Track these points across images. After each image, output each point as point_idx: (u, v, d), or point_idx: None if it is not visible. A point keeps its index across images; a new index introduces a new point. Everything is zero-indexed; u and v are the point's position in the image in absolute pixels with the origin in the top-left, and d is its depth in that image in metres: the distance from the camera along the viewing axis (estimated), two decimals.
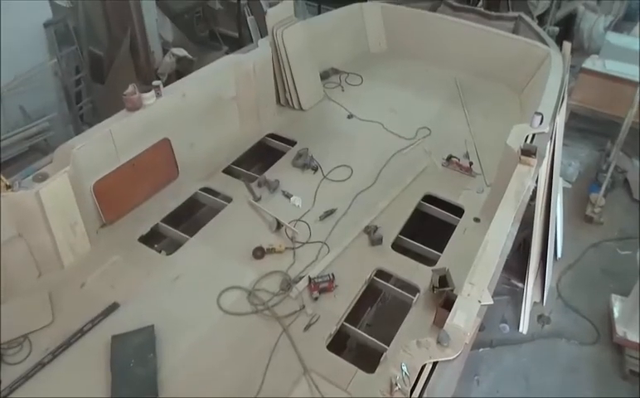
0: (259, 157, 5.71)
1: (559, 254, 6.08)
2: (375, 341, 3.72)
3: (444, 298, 3.66)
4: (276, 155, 5.58)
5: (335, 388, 3.38)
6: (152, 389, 3.35)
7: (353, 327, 3.86)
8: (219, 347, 3.65)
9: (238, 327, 3.79)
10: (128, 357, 3.50)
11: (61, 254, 4.10)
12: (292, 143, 5.69)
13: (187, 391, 3.37)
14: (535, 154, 4.26)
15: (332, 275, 4.05)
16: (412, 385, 2.66)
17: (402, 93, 6.58)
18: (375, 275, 4.21)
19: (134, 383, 3.37)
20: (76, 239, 4.19)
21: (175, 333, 3.70)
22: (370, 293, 4.30)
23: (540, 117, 4.72)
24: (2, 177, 3.84)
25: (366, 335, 3.80)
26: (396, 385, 2.61)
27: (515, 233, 3.85)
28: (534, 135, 4.66)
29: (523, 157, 4.25)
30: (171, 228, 4.62)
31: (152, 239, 4.57)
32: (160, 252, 4.39)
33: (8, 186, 3.78)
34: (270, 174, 5.18)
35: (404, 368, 2.67)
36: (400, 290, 4.14)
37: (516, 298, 5.44)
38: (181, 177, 5.07)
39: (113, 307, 3.87)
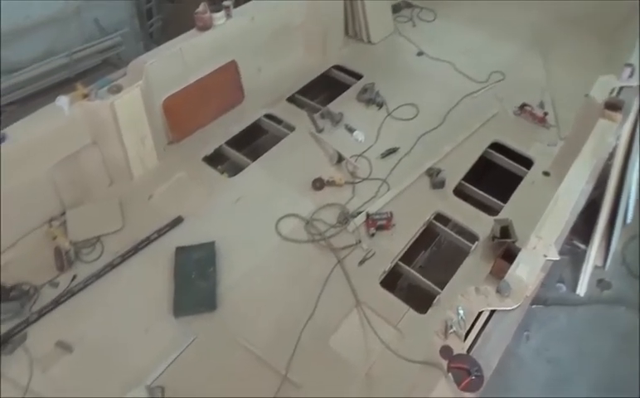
0: (324, 89, 5.63)
1: (628, 220, 5.75)
2: (429, 283, 3.72)
3: (505, 249, 3.57)
4: (341, 88, 5.48)
5: (385, 323, 3.43)
6: (211, 301, 3.52)
7: (407, 267, 3.87)
8: (275, 271, 3.77)
9: (294, 254, 3.87)
10: (190, 269, 3.67)
11: (131, 165, 4.28)
12: (358, 76, 5.55)
13: (243, 308, 3.53)
14: (621, 109, 3.96)
15: (391, 213, 4.03)
16: (467, 329, 2.65)
17: (477, 33, 6.21)
18: (434, 218, 4.15)
19: (195, 293, 3.55)
20: (145, 152, 4.35)
21: (234, 252, 3.83)
22: (427, 236, 4.26)
23: (630, 69, 4.35)
24: (80, 86, 3.99)
25: (420, 276, 3.80)
26: (451, 327, 2.61)
27: (589, 191, 3.65)
28: (621, 88, 4.31)
29: (607, 112, 3.96)
30: (234, 151, 4.70)
31: (215, 160, 4.67)
32: (222, 174, 4.50)
33: (85, 95, 3.92)
34: (334, 106, 5.10)
35: (461, 312, 2.66)
36: (457, 236, 4.07)
37: (576, 258, 5.24)
38: (246, 101, 5.09)
39: (178, 220, 4.04)
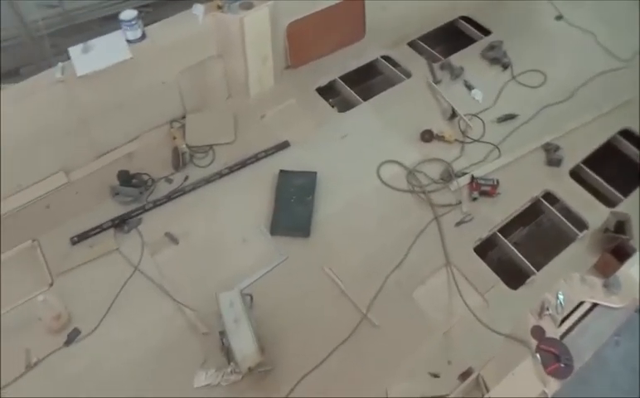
0: (448, 39, 5.38)
1: None
2: (526, 261, 3.59)
3: (616, 245, 3.35)
4: (466, 41, 5.21)
5: (473, 290, 3.40)
6: (306, 228, 3.66)
7: (505, 240, 3.75)
8: (370, 213, 3.81)
9: (391, 200, 3.89)
10: (291, 193, 3.82)
11: (250, 82, 4.43)
12: (486, 31, 5.24)
13: (335, 241, 3.64)
14: None
15: (497, 181, 3.88)
16: (564, 316, 2.57)
17: (628, 4, 5.56)
18: (542, 196, 3.95)
19: (292, 217, 3.71)
20: (264, 72, 4.47)
21: (333, 186, 3.92)
22: (529, 213, 4.08)
23: None
24: None
25: (517, 252, 3.67)
26: (547, 309, 2.53)
27: None
28: None
29: None
30: (347, 87, 4.69)
31: (327, 93, 4.70)
32: (333, 107, 4.54)
33: (219, 7, 4.06)
34: (455, 59, 4.89)
35: (561, 298, 2.56)
36: (565, 220, 3.85)
37: None
38: (366, 39, 5.01)
39: (285, 145, 4.17)
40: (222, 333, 2.94)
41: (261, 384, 3.00)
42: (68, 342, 3.14)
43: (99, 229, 3.66)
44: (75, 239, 3.60)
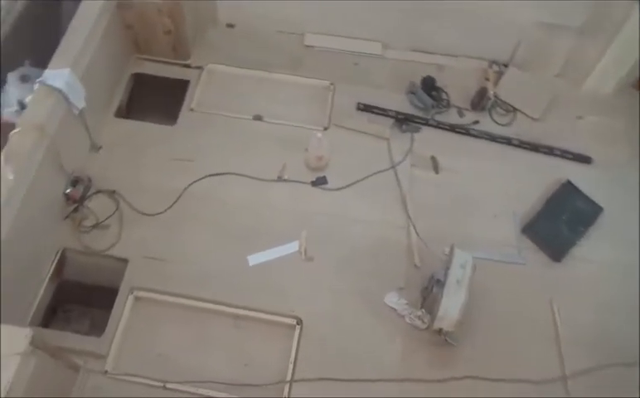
0: None
1: None
2: None
3: None
4: None
5: None
6: (561, 252, 3.29)
7: None
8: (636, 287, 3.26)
9: None
10: (564, 209, 3.43)
11: (592, 74, 3.93)
12: None
13: (578, 287, 3.21)
14: None
15: None
16: None
17: None
18: None
19: (553, 232, 3.35)
20: (611, 74, 3.92)
21: (612, 235, 3.38)
22: None
23: None
24: None
25: None
26: None
27: None
28: None
29: None
30: None
31: None
32: None
33: None
34: None
35: None
36: None
37: None
38: None
39: (586, 159, 3.69)
40: (435, 281, 2.90)
41: (435, 349, 2.95)
42: (314, 184, 3.43)
43: (383, 112, 3.77)
44: (362, 106, 3.79)
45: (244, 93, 3.84)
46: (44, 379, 2.38)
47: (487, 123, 3.82)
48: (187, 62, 3.90)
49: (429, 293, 2.95)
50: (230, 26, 4.15)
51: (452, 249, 2.90)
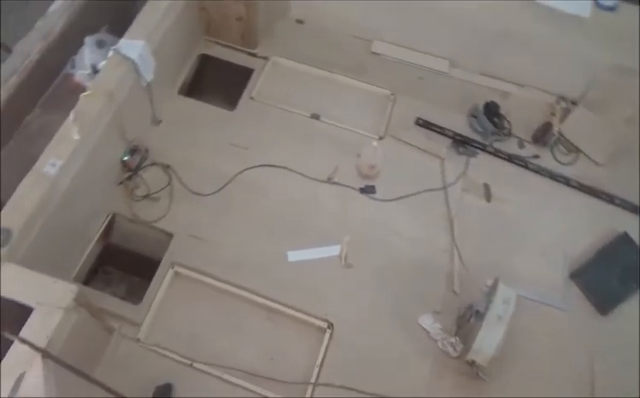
0: None
1: None
2: None
3: None
4: None
5: None
6: (608, 306, 3.16)
7: None
8: None
9: None
10: (618, 262, 3.29)
11: None
12: None
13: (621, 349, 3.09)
14: None
15: None
16: None
17: None
18: None
19: (603, 284, 3.21)
20: None
21: None
22: None
23: None
24: None
25: None
26: None
27: None
28: None
29: None
30: None
31: None
32: None
33: None
34: None
35: None
36: None
37: None
38: None
39: None
40: (475, 312, 2.82)
41: (463, 379, 2.88)
42: (362, 191, 3.41)
43: (441, 131, 3.71)
44: (421, 121, 3.74)
45: (304, 89, 3.86)
46: (81, 336, 2.46)
47: (547, 160, 3.70)
48: (254, 51, 3.95)
49: (466, 323, 2.89)
50: (300, 22, 4.18)
51: (496, 282, 2.83)
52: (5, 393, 2.13)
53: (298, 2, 4.15)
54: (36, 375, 2.15)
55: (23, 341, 2.10)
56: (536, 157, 3.69)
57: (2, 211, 2.55)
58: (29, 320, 2.26)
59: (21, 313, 2.29)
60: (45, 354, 2.16)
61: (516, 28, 3.78)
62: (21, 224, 2.52)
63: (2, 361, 2.18)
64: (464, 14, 3.79)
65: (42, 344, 2.17)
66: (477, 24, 3.81)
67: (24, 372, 2.15)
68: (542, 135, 3.71)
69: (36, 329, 2.22)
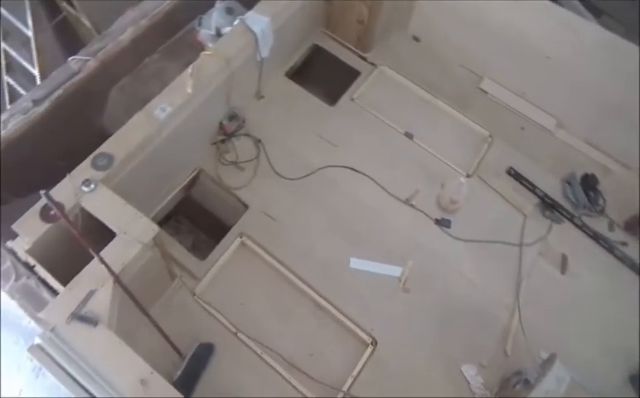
0: None
1: None
2: None
3: None
4: None
5: None
6: None
7: None
8: None
9: None
10: None
11: None
12: None
13: None
14: None
15: None
16: None
17: None
18: None
19: None
20: None
21: None
22: None
23: None
24: None
25: None
26: None
27: None
28: None
29: None
30: None
31: None
32: None
33: None
34: None
35: None
36: None
37: None
38: None
39: None
40: (523, 380, 2.74)
41: None
42: (437, 222, 3.38)
43: (532, 188, 3.61)
44: (512, 171, 3.65)
45: (404, 106, 3.86)
46: (148, 274, 2.61)
47: (635, 250, 3.51)
48: (365, 55, 3.99)
49: (511, 387, 2.80)
50: (416, 39, 4.17)
51: (552, 357, 2.72)
52: (75, 303, 2.30)
53: (419, 19, 4.14)
54: (104, 295, 2.31)
55: (102, 262, 2.26)
56: (624, 244, 3.51)
57: (109, 140, 2.74)
58: (110, 245, 2.42)
59: (98, 233, 2.44)
60: (117, 279, 2.32)
61: (636, 104, 3.58)
62: (122, 155, 2.70)
63: (76, 276, 2.35)
64: (584, 77, 3.64)
65: (117, 270, 2.32)
66: (595, 90, 3.64)
67: (95, 289, 2.32)
68: (636, 225, 3.52)
69: (114, 255, 2.37)
